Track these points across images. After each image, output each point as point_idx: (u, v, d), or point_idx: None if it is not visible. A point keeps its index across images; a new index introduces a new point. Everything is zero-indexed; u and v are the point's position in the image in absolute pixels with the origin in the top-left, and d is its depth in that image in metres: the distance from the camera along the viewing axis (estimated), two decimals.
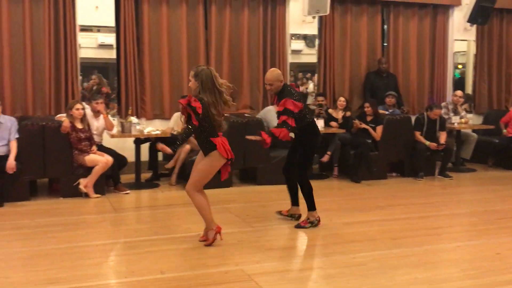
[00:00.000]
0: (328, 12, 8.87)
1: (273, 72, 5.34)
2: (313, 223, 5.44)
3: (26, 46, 7.83)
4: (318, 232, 5.39)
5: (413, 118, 8.61)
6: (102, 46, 8.19)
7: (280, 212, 5.83)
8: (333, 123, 8.19)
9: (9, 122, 6.48)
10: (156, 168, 7.78)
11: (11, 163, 6.24)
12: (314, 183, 7.69)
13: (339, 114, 8.43)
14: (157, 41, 8.50)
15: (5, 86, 7.77)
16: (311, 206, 5.50)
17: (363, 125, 8.09)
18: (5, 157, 6.32)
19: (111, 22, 8.20)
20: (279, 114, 5.28)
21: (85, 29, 8.13)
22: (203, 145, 4.69)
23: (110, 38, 8.23)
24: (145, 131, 7.21)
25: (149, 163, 7.83)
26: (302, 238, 5.24)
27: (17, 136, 6.48)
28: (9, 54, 7.78)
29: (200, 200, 4.76)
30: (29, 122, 6.71)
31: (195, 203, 4.79)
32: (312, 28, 9.35)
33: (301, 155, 5.45)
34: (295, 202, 5.73)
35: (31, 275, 4.05)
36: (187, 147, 7.39)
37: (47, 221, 5.63)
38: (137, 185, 7.32)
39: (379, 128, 8.13)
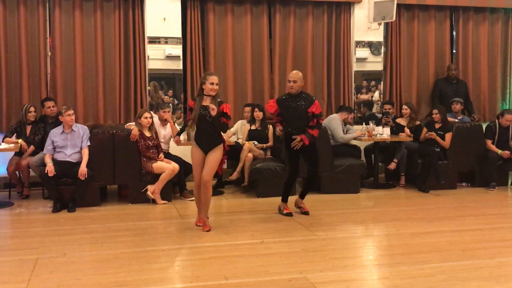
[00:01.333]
0: (394, 18, 8.72)
1: (298, 72, 5.95)
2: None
3: (97, 58, 8.15)
4: (385, 242, 5.27)
5: (484, 126, 8.28)
6: (170, 57, 8.39)
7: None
8: (407, 131, 7.98)
9: (81, 130, 6.74)
10: (220, 175, 7.84)
11: (83, 169, 6.47)
12: (381, 192, 7.71)
13: (406, 122, 8.21)
14: (222, 50, 8.63)
15: (78, 96, 8.12)
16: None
17: (432, 135, 7.86)
18: (78, 164, 6.57)
19: (178, 33, 8.39)
20: (316, 116, 5.89)
21: (153, 41, 8.36)
22: (216, 139, 5.39)
23: (177, 50, 8.42)
24: None
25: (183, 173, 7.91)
26: (368, 247, 5.13)
27: (88, 144, 6.71)
28: (82, 66, 8.13)
29: (211, 191, 5.49)
30: (100, 130, 6.96)
31: (209, 192, 5.42)
32: (377, 35, 9.21)
33: (316, 154, 6.07)
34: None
35: (100, 277, 4.17)
36: (250, 155, 7.42)
37: (116, 226, 5.80)
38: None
39: (448, 136, 7.88)
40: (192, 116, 5.42)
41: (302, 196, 6.35)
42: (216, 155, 5.41)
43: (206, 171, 5.37)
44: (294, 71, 6.01)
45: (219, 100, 5.40)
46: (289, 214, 6.17)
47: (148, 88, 8.31)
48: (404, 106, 8.25)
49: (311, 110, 5.88)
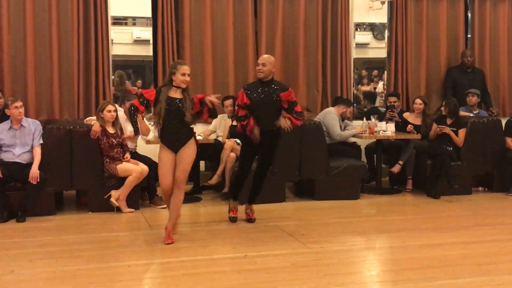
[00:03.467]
0: None
1: (270, 57, 6.17)
2: None
3: (52, 41, 8.09)
4: (389, 256, 5.31)
5: (503, 122, 8.36)
6: (138, 41, 8.36)
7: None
8: (410, 127, 8.01)
9: (33, 126, 6.69)
10: (197, 179, 7.84)
11: (34, 172, 6.41)
12: (384, 198, 7.75)
13: (415, 119, 8.22)
14: (199, 33, 8.61)
15: (29, 87, 8.04)
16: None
17: (445, 129, 7.91)
18: (28, 165, 6.51)
19: (148, 13, 8.36)
20: (292, 104, 6.05)
21: (118, 21, 8.32)
22: (187, 133, 5.51)
23: (146, 32, 8.39)
24: None
25: (189, 173, 7.90)
26: (369, 262, 5.16)
27: (41, 141, 6.67)
28: (33, 51, 8.05)
29: (183, 196, 5.59)
30: (55, 126, 6.91)
31: (181, 197, 5.52)
32: (380, 16, 9.25)
33: (273, 150, 6.22)
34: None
35: None
36: (232, 155, 7.41)
37: (74, 238, 5.75)
38: None
39: (462, 132, 7.95)
40: (156, 110, 5.44)
41: (251, 201, 6.44)
42: (189, 150, 5.49)
43: (181, 169, 5.45)
44: (266, 55, 6.27)
45: (191, 97, 5.54)
46: (234, 219, 6.35)
47: (112, 77, 8.28)
48: (418, 100, 8.25)
49: (285, 98, 5.99)
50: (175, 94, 5.45)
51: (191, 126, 5.60)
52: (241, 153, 6.46)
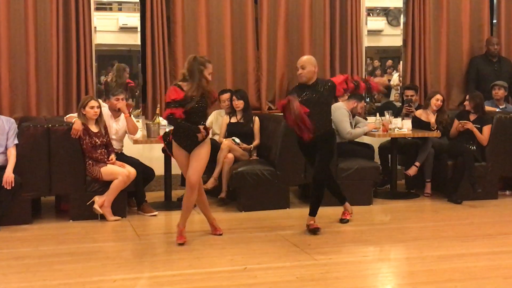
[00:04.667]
0: None
1: (310, 57, 6.40)
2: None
3: (28, 29, 8.07)
4: (406, 268, 5.32)
5: None
6: (124, 28, 8.37)
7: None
8: (464, 124, 7.97)
9: (7, 125, 6.68)
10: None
11: (8, 176, 6.41)
12: (400, 204, 7.75)
13: (430, 117, 8.22)
14: (192, 19, 8.61)
15: (2, 80, 8.01)
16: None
17: (468, 124, 7.92)
18: (1, 168, 6.51)
19: None
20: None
21: (102, 7, 8.34)
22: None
23: (133, 19, 8.40)
24: None
25: (182, 177, 7.90)
26: (383, 275, 5.17)
27: (16, 142, 6.66)
28: (6, 39, 8.01)
29: (196, 197, 5.90)
30: (32, 124, 6.90)
31: (193, 199, 5.86)
32: (395, 0, 9.26)
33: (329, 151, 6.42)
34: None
35: None
36: (229, 156, 7.43)
37: (53, 249, 5.76)
38: (167, 205, 7.42)
39: (486, 129, 7.96)
40: (188, 108, 5.72)
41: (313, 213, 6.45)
42: (203, 150, 5.82)
43: (192, 171, 5.77)
44: (305, 56, 6.48)
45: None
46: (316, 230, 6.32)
47: (94, 67, 8.27)
48: (440, 96, 8.25)
49: (340, 85, 6.33)
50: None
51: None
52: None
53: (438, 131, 8.00)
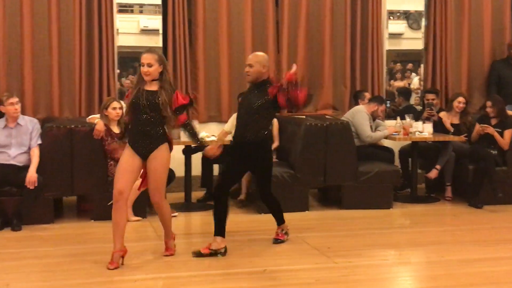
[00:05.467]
0: None
1: (258, 55, 5.74)
2: (287, 234, 6.09)
3: (51, 30, 8.16)
4: (426, 272, 5.28)
5: None
6: (145, 30, 8.40)
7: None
8: (448, 126, 7.99)
9: (30, 125, 6.74)
10: (210, 185, 7.86)
11: (31, 176, 6.46)
12: (420, 208, 7.71)
13: (453, 119, 8.20)
14: (214, 22, 8.65)
15: (26, 81, 8.12)
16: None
17: (489, 129, 7.86)
18: (25, 168, 6.56)
19: (157, 0, 8.40)
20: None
21: (124, 9, 8.37)
22: (158, 137, 5.24)
23: (155, 21, 8.43)
24: None
25: (202, 178, 7.93)
26: (403, 279, 5.15)
27: (39, 142, 6.72)
28: (31, 41, 8.12)
29: (168, 208, 5.54)
30: (55, 125, 6.96)
31: (165, 212, 5.48)
32: (417, 3, 9.23)
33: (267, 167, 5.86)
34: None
35: None
36: None
37: (74, 249, 5.80)
38: (187, 206, 7.43)
39: (508, 133, 7.90)
40: (127, 105, 5.35)
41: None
42: (161, 162, 5.26)
43: (153, 189, 5.32)
44: (253, 54, 5.83)
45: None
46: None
47: (116, 68, 8.33)
48: (462, 99, 8.24)
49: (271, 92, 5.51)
50: (149, 86, 5.26)
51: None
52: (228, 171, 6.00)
53: (462, 135, 7.96)
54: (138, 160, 5.23)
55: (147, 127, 5.17)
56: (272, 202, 6.04)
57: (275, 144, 7.82)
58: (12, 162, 6.62)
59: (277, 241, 5.98)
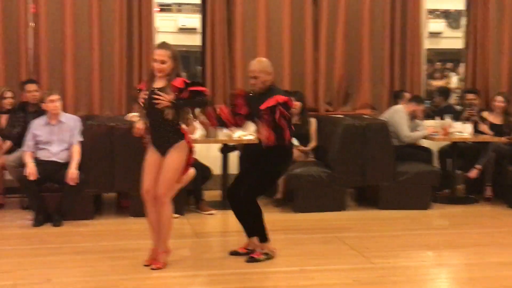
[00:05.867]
0: None
1: (261, 62, 5.52)
2: (268, 256, 5.36)
3: (92, 30, 8.24)
4: (465, 274, 5.23)
5: None
6: (184, 29, 8.45)
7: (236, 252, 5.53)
8: (484, 128, 7.90)
9: (72, 122, 6.83)
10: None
11: (72, 172, 6.54)
12: (459, 209, 7.63)
13: (496, 119, 8.10)
14: (252, 22, 8.64)
15: (67, 79, 8.21)
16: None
17: None
18: (66, 165, 6.64)
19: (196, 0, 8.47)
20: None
21: (163, 8, 8.43)
22: (173, 134, 5.11)
23: (193, 20, 8.47)
24: (235, 136, 7.32)
25: None
26: (442, 280, 5.11)
27: (80, 139, 6.81)
28: (73, 40, 8.21)
29: (170, 211, 5.26)
30: (95, 122, 7.06)
31: (166, 215, 5.19)
32: (456, 2, 9.11)
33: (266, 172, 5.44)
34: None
35: None
36: None
37: (113, 245, 5.87)
38: (224, 204, 7.43)
39: None
40: (140, 102, 5.21)
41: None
42: (173, 158, 5.10)
43: (160, 183, 5.13)
44: (256, 60, 5.61)
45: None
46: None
47: None
48: (500, 98, 8.17)
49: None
50: (158, 83, 5.15)
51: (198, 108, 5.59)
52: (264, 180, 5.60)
53: (504, 136, 7.86)
54: (159, 158, 5.14)
55: (162, 125, 5.09)
56: (250, 211, 5.43)
57: (312, 144, 7.80)
58: (53, 158, 6.71)
59: (252, 259, 5.32)
